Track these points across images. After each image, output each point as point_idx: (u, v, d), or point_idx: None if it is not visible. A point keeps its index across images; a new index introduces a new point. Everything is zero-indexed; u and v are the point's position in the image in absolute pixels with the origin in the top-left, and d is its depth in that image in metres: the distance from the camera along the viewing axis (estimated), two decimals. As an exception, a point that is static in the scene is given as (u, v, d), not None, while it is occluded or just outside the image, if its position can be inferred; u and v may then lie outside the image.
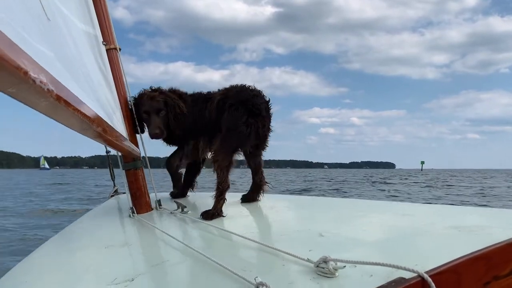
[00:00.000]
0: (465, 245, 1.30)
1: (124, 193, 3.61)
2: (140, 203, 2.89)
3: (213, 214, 2.45)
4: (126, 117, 3.04)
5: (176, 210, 2.74)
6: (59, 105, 0.78)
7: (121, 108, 3.00)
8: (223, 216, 2.45)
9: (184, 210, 2.65)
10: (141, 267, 1.77)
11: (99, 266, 1.82)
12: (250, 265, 1.54)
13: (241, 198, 2.95)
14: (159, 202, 2.98)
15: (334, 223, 2.23)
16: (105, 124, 1.44)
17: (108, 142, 1.81)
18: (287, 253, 1.52)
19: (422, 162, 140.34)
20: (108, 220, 3.04)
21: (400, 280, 1.05)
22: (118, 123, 2.67)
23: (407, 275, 1.08)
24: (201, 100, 2.95)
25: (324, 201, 3.50)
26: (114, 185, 4.14)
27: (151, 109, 2.94)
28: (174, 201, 2.81)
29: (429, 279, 1.05)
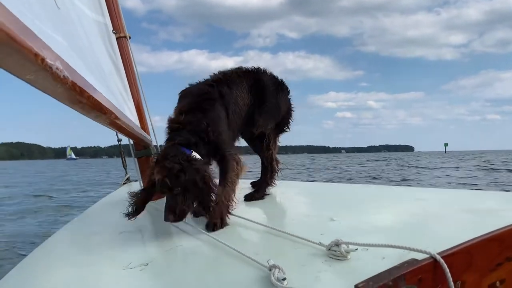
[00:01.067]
0: (477, 228, 1.30)
1: (136, 180, 3.66)
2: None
3: (261, 195, 2.60)
4: (137, 106, 3.06)
5: None
6: (74, 92, 0.80)
7: (133, 97, 3.02)
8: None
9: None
10: (155, 252, 1.80)
11: (114, 251, 1.86)
12: (262, 249, 1.56)
13: (252, 184, 2.96)
14: (171, 189, 3.01)
15: (345, 208, 2.24)
16: (117, 112, 1.46)
17: (120, 129, 1.83)
18: (299, 237, 1.53)
19: (446, 144, 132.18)
20: (121, 207, 3.08)
21: (413, 262, 1.06)
22: (129, 112, 2.69)
23: (420, 256, 1.09)
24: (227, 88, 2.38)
25: (334, 187, 3.51)
26: (126, 173, 4.19)
27: (163, 189, 1.97)
28: None
29: (442, 260, 1.05)
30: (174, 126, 2.11)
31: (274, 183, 2.72)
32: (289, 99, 2.73)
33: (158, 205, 2.75)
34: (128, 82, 3.00)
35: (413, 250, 1.13)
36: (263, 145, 2.63)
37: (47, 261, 1.92)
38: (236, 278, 1.34)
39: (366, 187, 3.69)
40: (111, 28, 3.00)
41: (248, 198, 2.57)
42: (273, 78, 2.65)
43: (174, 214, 1.92)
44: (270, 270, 1.22)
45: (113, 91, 2.34)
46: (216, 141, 2.13)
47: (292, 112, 2.74)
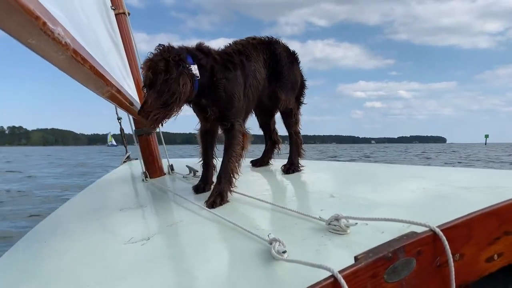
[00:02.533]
0: (476, 203, 1.31)
1: (137, 159, 3.68)
2: (153, 168, 2.95)
3: (296, 166, 2.65)
4: (137, 83, 3.05)
5: (189, 174, 2.78)
6: (76, 61, 0.79)
7: (132, 75, 3.01)
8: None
9: (196, 174, 2.69)
10: (156, 227, 1.82)
11: (115, 227, 1.87)
12: (263, 224, 1.57)
13: (252, 163, 2.96)
14: (171, 167, 3.03)
15: (345, 185, 2.25)
16: (118, 85, 1.45)
17: (120, 104, 1.82)
18: (299, 213, 1.55)
19: (486, 136, 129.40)
20: (122, 184, 3.10)
21: (412, 234, 1.07)
22: (129, 89, 2.68)
23: (419, 230, 1.10)
24: (239, 58, 2.24)
25: (335, 165, 3.52)
26: (126, 151, 4.21)
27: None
28: (186, 166, 2.85)
29: (441, 233, 1.07)
30: (197, 47, 2.04)
31: (304, 154, 2.75)
32: (301, 70, 2.73)
33: (159, 182, 2.77)
34: (128, 60, 2.98)
35: (413, 223, 1.14)
36: (290, 120, 2.66)
37: (48, 237, 1.93)
38: (237, 251, 1.35)
39: (367, 165, 3.70)
40: (109, 4, 2.97)
41: (286, 171, 2.61)
42: (287, 49, 2.63)
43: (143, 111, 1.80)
44: (271, 243, 1.23)
45: (113, 68, 2.32)
46: (228, 105, 2.08)
47: (305, 82, 2.75)
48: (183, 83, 1.81)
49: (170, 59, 1.81)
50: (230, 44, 2.37)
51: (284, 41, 2.60)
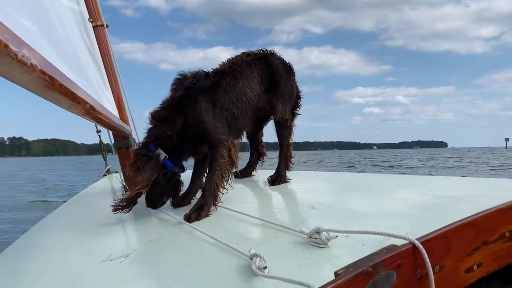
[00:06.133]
0: (455, 213, 1.32)
1: (117, 172, 3.63)
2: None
3: (283, 178, 2.61)
4: (116, 96, 3.01)
5: None
6: (44, 81, 0.77)
7: (111, 87, 2.97)
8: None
9: (177, 187, 2.65)
10: (136, 244, 1.78)
11: (93, 243, 1.84)
12: (244, 238, 1.55)
13: (236, 174, 2.93)
14: (152, 180, 2.98)
15: (326, 196, 2.25)
16: (93, 102, 1.42)
17: (97, 120, 1.79)
18: (280, 226, 1.53)
19: (507, 139, 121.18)
20: (101, 199, 3.05)
21: (392, 247, 1.07)
22: (107, 102, 2.64)
23: (399, 242, 1.10)
24: (231, 80, 2.31)
25: (317, 175, 3.52)
26: (106, 165, 4.16)
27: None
28: None
29: (420, 246, 1.07)
30: (151, 121, 2.17)
31: (292, 168, 2.73)
32: (297, 82, 2.74)
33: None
34: (106, 72, 2.95)
35: (392, 236, 1.14)
36: (284, 131, 2.64)
37: (26, 254, 1.89)
38: (217, 267, 1.33)
39: (353, 175, 3.72)
40: (87, 16, 2.93)
41: (272, 183, 2.57)
42: (283, 61, 2.63)
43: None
44: (251, 259, 1.21)
45: (90, 81, 2.29)
46: (199, 130, 2.11)
47: (300, 94, 2.77)
48: (151, 173, 2.03)
49: (139, 158, 2.08)
50: (223, 62, 2.42)
51: (279, 51, 2.60)
